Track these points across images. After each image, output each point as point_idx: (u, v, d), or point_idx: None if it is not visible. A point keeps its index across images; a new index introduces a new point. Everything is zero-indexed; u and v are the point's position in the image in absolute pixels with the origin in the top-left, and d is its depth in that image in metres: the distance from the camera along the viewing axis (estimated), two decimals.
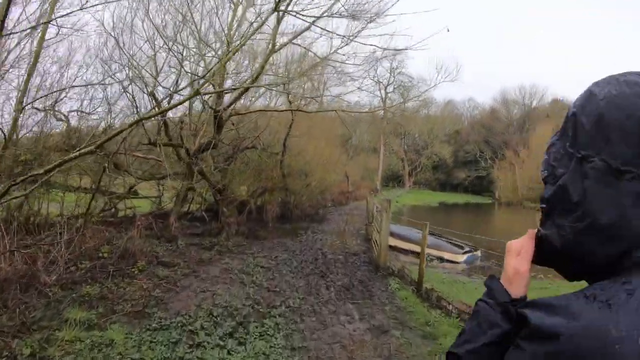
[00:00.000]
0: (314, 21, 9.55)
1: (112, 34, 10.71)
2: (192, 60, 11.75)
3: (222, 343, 5.86)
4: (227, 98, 13.44)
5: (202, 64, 11.62)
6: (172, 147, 13.45)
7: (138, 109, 11.88)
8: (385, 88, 68.89)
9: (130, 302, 7.21)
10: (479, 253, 15.63)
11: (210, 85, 11.65)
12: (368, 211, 22.72)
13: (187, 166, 13.00)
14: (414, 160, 77.46)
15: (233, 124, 18.79)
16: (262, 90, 20.07)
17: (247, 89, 12.35)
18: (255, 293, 8.21)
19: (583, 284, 0.88)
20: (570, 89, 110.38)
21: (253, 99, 16.63)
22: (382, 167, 67.83)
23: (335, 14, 9.59)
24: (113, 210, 13.93)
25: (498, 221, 39.62)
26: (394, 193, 54.28)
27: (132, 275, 8.68)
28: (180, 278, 8.89)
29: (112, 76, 11.45)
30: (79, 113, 12.09)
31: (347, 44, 10.54)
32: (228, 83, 13.45)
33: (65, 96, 11.45)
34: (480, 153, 77.09)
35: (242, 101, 16.25)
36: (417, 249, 15.01)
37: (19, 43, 9.92)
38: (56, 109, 11.45)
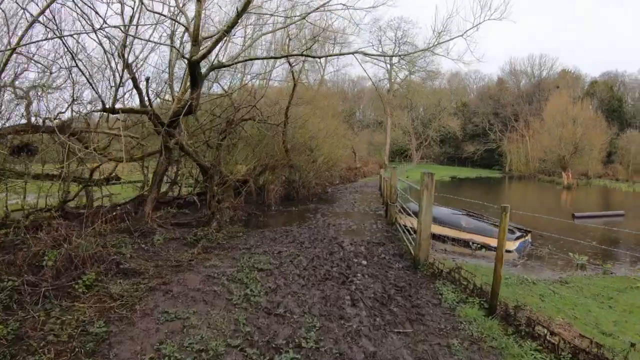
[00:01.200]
0: None
1: None
2: None
3: None
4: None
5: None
6: (143, 116, 10.71)
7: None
8: (391, 59, 65.45)
9: (53, 349, 4.52)
10: (529, 237, 12.84)
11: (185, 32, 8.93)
12: (383, 189, 19.99)
13: (162, 139, 10.22)
14: (421, 134, 74.69)
15: (226, 92, 16.16)
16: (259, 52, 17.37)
17: (227, 33, 9.43)
18: (249, 320, 5.45)
19: None
20: (579, 59, 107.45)
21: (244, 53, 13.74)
22: (389, 141, 64.82)
23: None
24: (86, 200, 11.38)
25: (517, 194, 36.63)
26: (403, 168, 51.50)
27: (74, 295, 5.95)
28: (142, 296, 6.13)
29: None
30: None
31: None
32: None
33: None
34: (489, 125, 74.53)
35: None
36: (455, 234, 12.35)
37: None
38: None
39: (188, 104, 9.86)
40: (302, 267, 8.13)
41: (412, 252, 8.77)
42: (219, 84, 17.34)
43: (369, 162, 53.50)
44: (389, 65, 67.22)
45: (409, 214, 10.63)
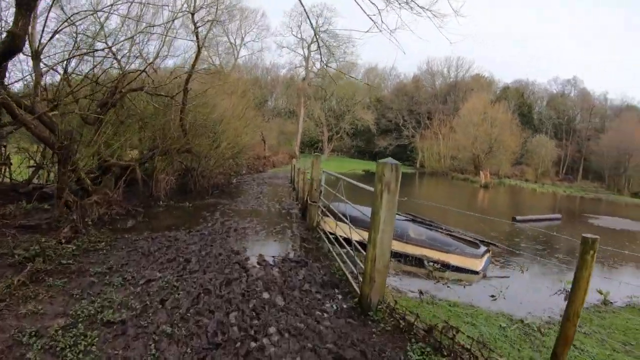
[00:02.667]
0: None
1: None
2: None
3: None
4: None
5: None
6: None
7: None
8: (309, 46, 62.77)
9: None
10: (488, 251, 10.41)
11: None
12: (298, 183, 17.21)
13: None
14: (334, 126, 72.96)
15: (109, 47, 12.54)
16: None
17: None
18: None
19: None
20: (493, 65, 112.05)
21: None
22: (301, 131, 62.29)
23: None
24: None
25: (434, 191, 35.59)
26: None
27: None
28: None
29: None
30: None
31: None
32: None
33: None
34: (403, 121, 74.39)
35: None
36: (400, 247, 9.49)
37: None
38: None
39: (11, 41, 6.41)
40: (179, 315, 4.99)
41: (357, 287, 5.97)
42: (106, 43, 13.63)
43: (279, 152, 50.59)
44: (306, 52, 64.49)
45: (341, 219, 7.80)
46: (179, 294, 5.65)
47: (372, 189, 5.31)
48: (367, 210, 9.97)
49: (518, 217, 18.75)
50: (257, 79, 67.68)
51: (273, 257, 7.99)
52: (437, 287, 8.00)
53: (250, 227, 10.79)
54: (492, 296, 7.74)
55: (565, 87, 77.85)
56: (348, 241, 6.98)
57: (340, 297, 6.05)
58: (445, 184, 46.18)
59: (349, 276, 6.55)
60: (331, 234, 8.70)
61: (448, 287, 8.00)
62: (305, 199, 12.57)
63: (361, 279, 5.68)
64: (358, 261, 6.27)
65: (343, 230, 8.08)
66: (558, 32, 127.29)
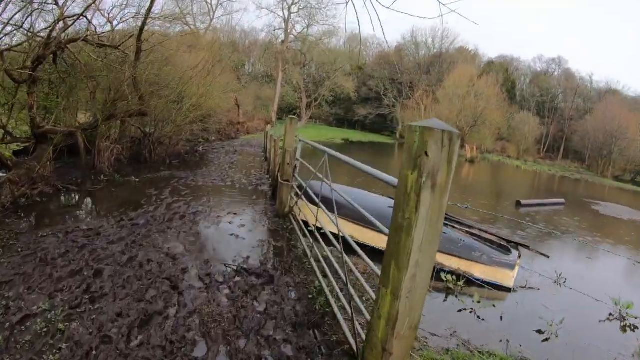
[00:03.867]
0: None
1: None
2: None
3: None
4: None
5: None
6: None
7: None
8: (289, 8, 59.17)
9: None
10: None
11: None
12: (269, 153, 14.73)
13: None
14: (312, 93, 69.92)
15: None
16: None
17: None
18: None
19: None
20: (478, 39, 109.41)
21: None
22: (278, 96, 59.19)
23: None
24: None
25: None
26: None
27: None
28: None
29: None
30: None
31: None
32: None
33: None
34: (384, 90, 71.64)
35: None
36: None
37: None
38: None
39: None
40: None
41: (353, 340, 3.62)
42: None
43: (254, 118, 47.53)
44: (286, 14, 60.75)
45: (324, 210, 5.31)
46: (58, 350, 3.21)
47: (380, 175, 2.92)
48: (357, 195, 7.37)
49: (523, 201, 16.83)
50: (234, 42, 63.98)
51: (225, 264, 5.58)
52: (463, 317, 5.63)
53: (204, 213, 8.40)
54: (540, 332, 5.42)
55: (550, 65, 75.91)
56: (334, 235, 4.52)
57: (324, 351, 3.63)
58: None
59: (337, 311, 4.12)
60: (307, 225, 6.38)
61: (479, 318, 5.64)
62: (276, 175, 10.08)
63: (361, 332, 3.30)
64: (351, 288, 3.80)
65: (323, 221, 5.65)
66: (545, 8, 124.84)
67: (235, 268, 5.47)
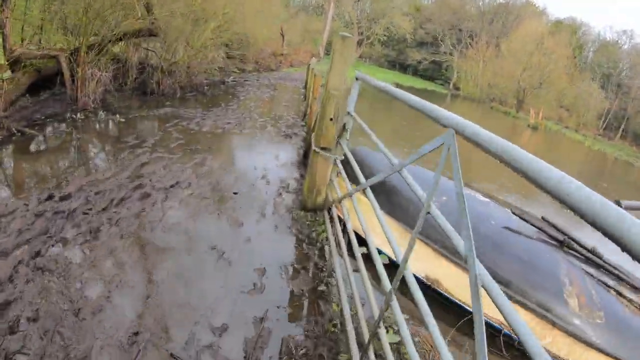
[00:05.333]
0: None
1: None
2: None
3: None
4: None
5: None
6: None
7: None
8: None
9: None
10: None
11: None
12: (308, 93, 11.43)
13: None
14: (365, 30, 65.10)
15: None
16: None
17: None
18: None
19: None
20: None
21: None
22: (329, 30, 54.70)
23: None
24: None
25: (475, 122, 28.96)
26: None
27: None
28: None
29: None
30: None
31: None
32: None
33: None
34: (442, 35, 66.12)
35: None
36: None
37: None
38: None
39: None
40: None
41: None
42: None
43: (300, 51, 43.66)
44: None
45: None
46: None
47: None
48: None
49: (624, 203, 12.48)
50: None
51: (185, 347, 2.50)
52: None
53: (182, 188, 5.22)
54: None
55: (621, 37, 67.88)
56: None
57: None
58: (483, 113, 39.13)
59: None
60: (361, 241, 3.48)
61: None
62: (309, 136, 6.82)
63: None
64: None
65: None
66: None
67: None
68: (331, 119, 4.65)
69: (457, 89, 61.45)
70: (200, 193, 5.17)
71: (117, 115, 8.40)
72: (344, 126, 4.59)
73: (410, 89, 45.27)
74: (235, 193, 5.39)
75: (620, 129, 59.16)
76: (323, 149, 4.78)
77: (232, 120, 9.72)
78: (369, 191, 3.14)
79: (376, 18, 65.11)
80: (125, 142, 6.72)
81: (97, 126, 7.60)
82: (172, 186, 5.17)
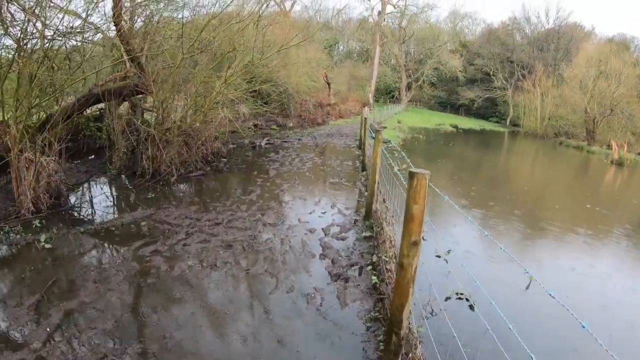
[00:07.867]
0: None
1: None
2: None
3: None
4: None
5: None
6: None
7: None
8: None
9: None
10: None
11: None
12: (365, 154, 8.29)
13: None
14: (413, 73, 62.25)
15: None
16: None
17: None
18: None
19: None
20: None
21: None
22: (376, 76, 51.99)
23: None
24: None
25: (551, 163, 23.93)
26: (390, 111, 39.49)
27: None
28: None
29: None
30: None
31: None
32: None
33: None
34: (494, 71, 62.26)
35: None
36: None
37: None
38: None
39: None
40: None
41: None
42: None
43: (348, 99, 40.93)
44: None
45: None
46: None
47: None
48: None
49: None
50: (328, 23, 57.65)
51: None
52: None
53: None
54: None
55: None
56: None
57: None
58: (550, 151, 33.75)
59: None
60: None
61: None
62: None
63: None
64: None
65: None
66: None
67: None
68: None
69: (515, 125, 57.15)
70: None
71: (43, 237, 5.29)
72: None
73: (469, 132, 41.52)
74: None
75: None
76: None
77: (237, 236, 6.05)
78: None
79: (423, 59, 62.45)
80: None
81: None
82: None
